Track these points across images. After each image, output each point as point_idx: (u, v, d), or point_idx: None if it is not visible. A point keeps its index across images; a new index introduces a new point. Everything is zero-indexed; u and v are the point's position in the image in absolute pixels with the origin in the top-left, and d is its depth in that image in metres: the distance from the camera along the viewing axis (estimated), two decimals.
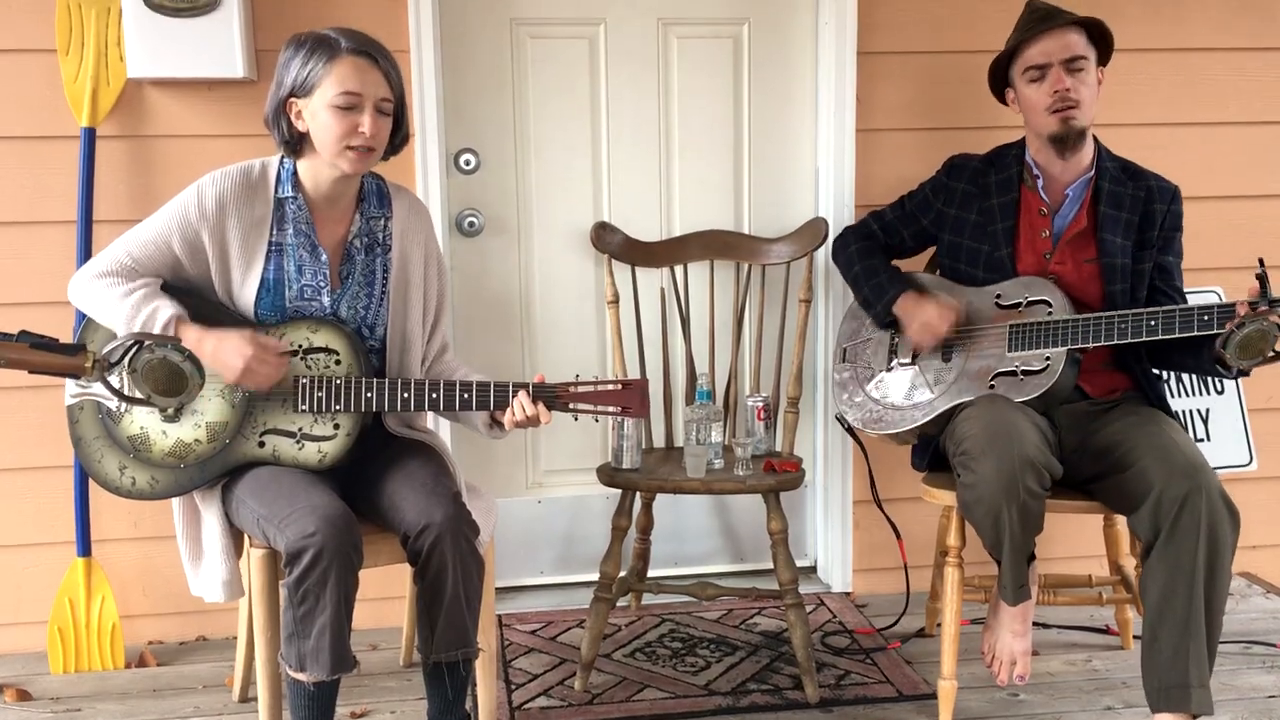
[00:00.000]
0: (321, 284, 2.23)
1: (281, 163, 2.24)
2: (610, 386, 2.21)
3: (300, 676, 2.06)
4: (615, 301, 2.94)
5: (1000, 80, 2.63)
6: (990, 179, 2.63)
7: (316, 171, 2.21)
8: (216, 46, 2.69)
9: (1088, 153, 2.55)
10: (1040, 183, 2.57)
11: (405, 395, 2.19)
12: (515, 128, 3.07)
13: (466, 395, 2.19)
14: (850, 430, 2.73)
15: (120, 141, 2.80)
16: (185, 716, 2.60)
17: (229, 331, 2.13)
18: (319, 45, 2.14)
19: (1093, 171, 2.56)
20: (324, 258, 2.23)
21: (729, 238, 3.02)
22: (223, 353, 2.11)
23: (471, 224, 3.06)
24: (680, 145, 3.14)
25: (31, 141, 2.76)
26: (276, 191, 2.22)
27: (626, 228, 3.02)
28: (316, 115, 2.14)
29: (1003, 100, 2.64)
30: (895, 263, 2.77)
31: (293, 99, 2.16)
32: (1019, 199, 2.59)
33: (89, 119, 2.71)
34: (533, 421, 2.18)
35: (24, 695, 2.70)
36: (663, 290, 3.01)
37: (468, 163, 3.03)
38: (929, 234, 2.74)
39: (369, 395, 2.18)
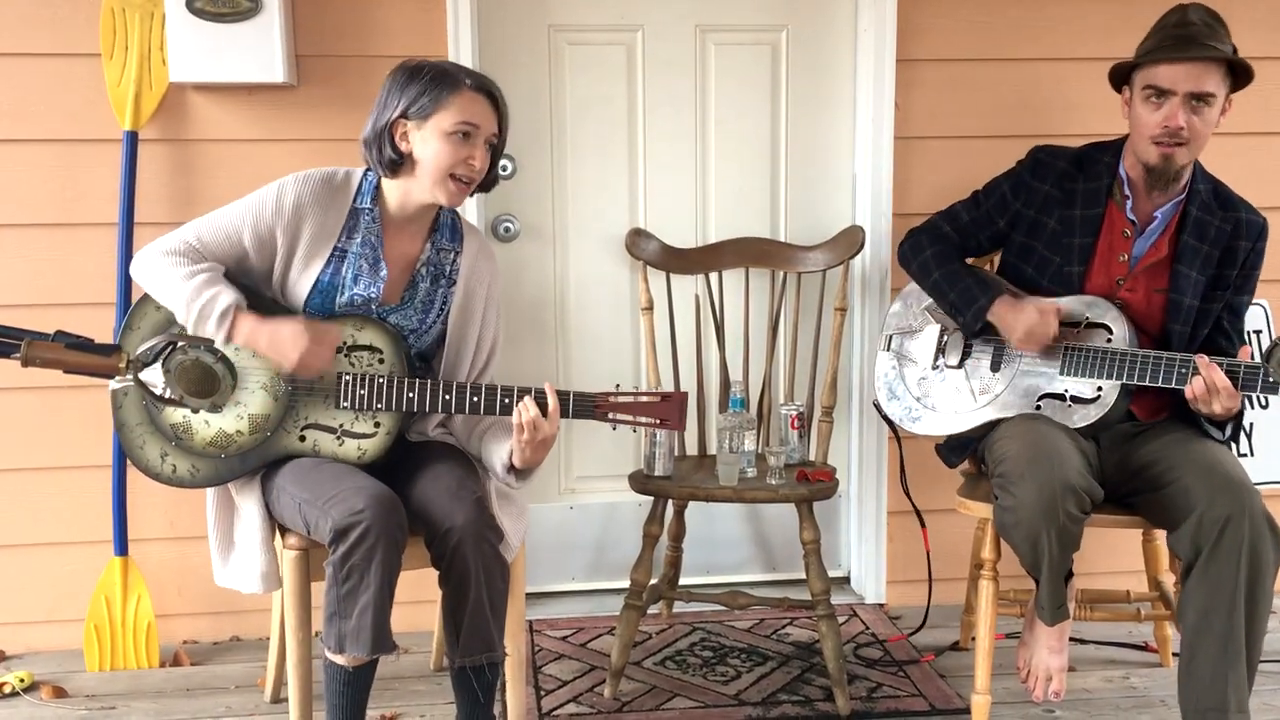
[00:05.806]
0: (373, 296, 2.24)
1: (365, 175, 2.26)
2: (649, 398, 2.21)
3: (340, 659, 2.07)
4: (650, 308, 2.93)
5: (1121, 74, 2.41)
6: (1078, 185, 2.46)
7: (406, 193, 2.23)
8: (257, 51, 2.71)
9: (1183, 175, 2.39)
10: (1130, 203, 2.42)
11: (447, 397, 2.19)
12: (552, 133, 3.07)
13: (507, 400, 2.19)
14: (885, 417, 2.69)
15: (162, 145, 2.83)
16: (218, 716, 2.62)
17: (283, 321, 2.15)
18: (442, 76, 2.16)
19: (1184, 194, 2.41)
20: (384, 272, 2.24)
21: (765, 245, 3.00)
22: (279, 343, 2.13)
23: (507, 229, 3.06)
24: (716, 152, 3.13)
25: (74, 144, 2.80)
26: (355, 201, 2.24)
27: (662, 234, 3.01)
28: (428, 141, 2.15)
29: (1118, 90, 2.44)
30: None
31: (404, 120, 2.16)
32: (1104, 215, 2.44)
33: (131, 122, 2.74)
34: (539, 428, 2.14)
35: (60, 692, 2.72)
36: (697, 297, 3.00)
37: (504, 168, 3.03)
38: (1005, 234, 2.57)
39: (410, 395, 2.19)
